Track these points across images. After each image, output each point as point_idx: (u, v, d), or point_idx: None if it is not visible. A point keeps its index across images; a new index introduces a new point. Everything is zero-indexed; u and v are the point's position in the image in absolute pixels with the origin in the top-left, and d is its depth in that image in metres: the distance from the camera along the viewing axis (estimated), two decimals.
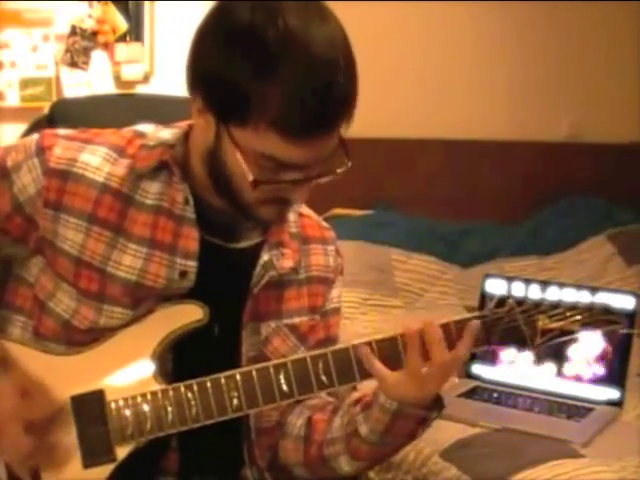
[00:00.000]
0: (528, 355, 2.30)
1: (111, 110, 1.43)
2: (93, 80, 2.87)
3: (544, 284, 2.35)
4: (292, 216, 1.41)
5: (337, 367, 1.27)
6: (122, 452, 1.26)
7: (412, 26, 3.23)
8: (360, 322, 2.64)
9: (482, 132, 3.30)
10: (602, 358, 2.22)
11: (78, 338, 1.30)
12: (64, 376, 1.28)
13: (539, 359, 2.12)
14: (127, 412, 1.26)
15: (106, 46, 2.88)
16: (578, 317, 1.29)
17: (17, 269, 1.35)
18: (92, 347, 1.30)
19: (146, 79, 2.95)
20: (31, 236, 1.30)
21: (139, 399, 1.26)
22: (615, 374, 2.20)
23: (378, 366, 1.26)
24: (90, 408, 1.26)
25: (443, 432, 2.03)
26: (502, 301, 1.29)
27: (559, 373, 2.26)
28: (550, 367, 2.27)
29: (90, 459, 1.26)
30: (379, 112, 3.16)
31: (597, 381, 2.22)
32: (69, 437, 1.26)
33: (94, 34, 2.85)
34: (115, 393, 1.27)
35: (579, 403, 2.18)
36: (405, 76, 3.24)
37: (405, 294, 2.82)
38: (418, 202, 3.14)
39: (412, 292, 2.84)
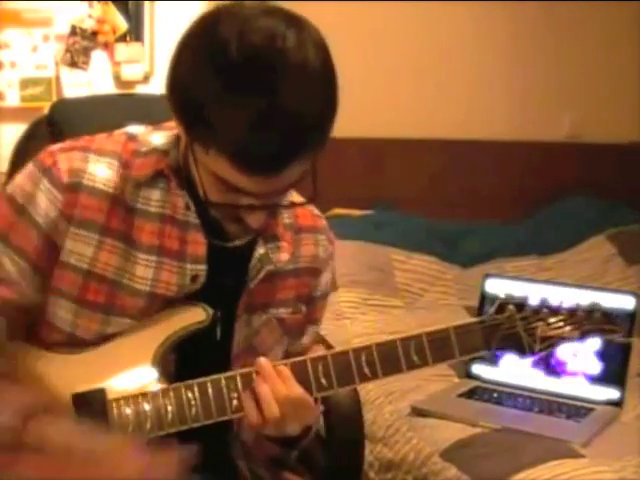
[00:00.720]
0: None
1: (111, 110, 1.43)
2: (93, 80, 2.87)
3: (544, 284, 2.35)
4: (286, 204, 1.39)
5: (336, 370, 1.28)
6: None
7: (412, 26, 3.23)
8: (360, 322, 2.64)
9: (482, 132, 3.30)
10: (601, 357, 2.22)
11: (84, 343, 1.30)
12: (66, 374, 1.29)
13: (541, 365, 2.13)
14: (128, 411, 1.26)
15: (106, 46, 2.88)
16: (577, 324, 1.30)
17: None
18: (95, 347, 1.30)
19: (146, 79, 2.95)
20: (50, 263, 1.28)
21: (140, 398, 1.27)
22: (615, 374, 2.21)
23: (248, 405, 1.25)
24: (91, 406, 1.27)
25: (443, 432, 2.04)
26: (502, 307, 1.30)
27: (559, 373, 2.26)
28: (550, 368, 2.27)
29: None
30: (379, 112, 3.17)
31: (597, 381, 2.22)
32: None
33: (94, 34, 2.85)
34: (116, 392, 1.27)
35: (579, 403, 2.19)
36: (405, 76, 3.24)
37: (405, 294, 2.82)
38: (418, 202, 3.14)
39: (412, 292, 2.84)
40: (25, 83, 2.81)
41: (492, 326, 1.29)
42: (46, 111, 1.70)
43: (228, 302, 1.34)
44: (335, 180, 3.08)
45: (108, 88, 2.87)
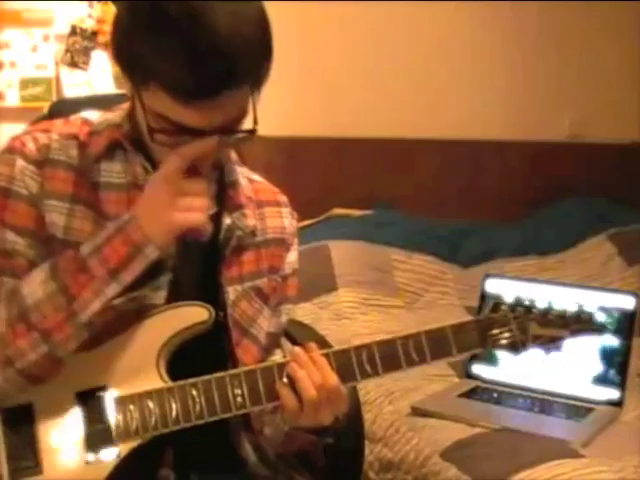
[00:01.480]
0: (529, 355, 2.30)
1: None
2: (93, 80, 2.87)
3: (544, 284, 2.35)
4: (244, 181, 1.45)
5: (338, 366, 1.30)
6: (126, 448, 1.28)
7: (412, 26, 3.23)
8: (360, 322, 2.64)
9: (482, 132, 3.30)
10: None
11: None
12: (70, 374, 1.30)
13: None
14: (132, 408, 1.28)
15: (106, 46, 2.88)
16: (566, 324, 1.37)
17: None
18: (98, 346, 1.31)
19: None
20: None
21: (144, 396, 1.28)
22: (615, 374, 2.20)
23: (285, 392, 1.29)
24: (95, 405, 1.28)
25: (443, 432, 2.04)
26: (496, 307, 1.37)
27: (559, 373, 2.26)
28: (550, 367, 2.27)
29: (93, 455, 1.28)
30: (379, 112, 3.17)
31: (597, 381, 2.22)
32: (73, 432, 1.28)
33: (94, 34, 2.85)
34: (120, 390, 1.29)
35: (579, 403, 2.19)
36: (405, 76, 3.24)
37: (405, 294, 2.82)
38: (418, 202, 3.14)
39: (412, 292, 2.84)
40: (25, 83, 2.81)
41: (487, 325, 1.35)
42: (45, 111, 1.70)
43: (208, 274, 1.38)
44: (335, 180, 3.09)
45: (108, 88, 2.87)
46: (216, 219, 1.38)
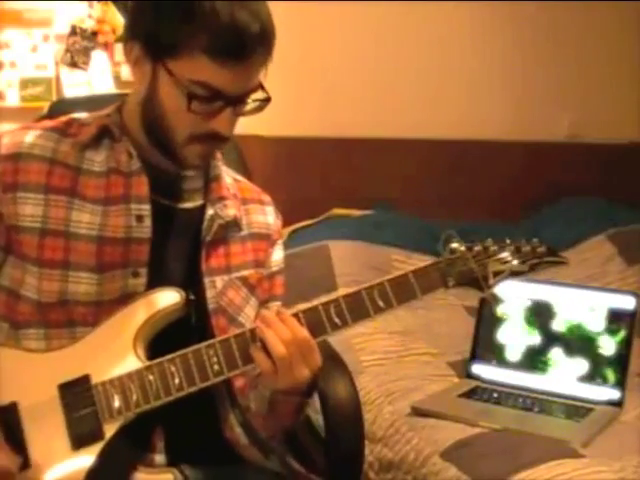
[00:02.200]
0: (529, 354, 2.30)
1: None
2: (93, 80, 2.87)
3: (544, 284, 2.35)
4: (228, 179, 1.51)
5: (308, 323, 1.34)
6: (110, 429, 1.31)
7: (412, 26, 3.23)
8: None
9: (481, 132, 3.30)
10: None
11: (54, 317, 1.35)
12: (50, 370, 1.33)
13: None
14: (113, 390, 1.31)
15: (106, 46, 2.89)
16: (525, 259, 1.41)
17: None
18: (74, 341, 1.35)
19: None
20: (0, 233, 1.37)
21: (124, 378, 1.32)
22: (615, 374, 2.21)
23: (258, 355, 1.32)
24: (77, 392, 1.32)
25: (443, 432, 2.04)
26: (453, 250, 1.41)
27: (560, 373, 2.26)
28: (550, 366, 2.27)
29: (79, 440, 1.31)
30: (379, 112, 3.17)
31: (597, 381, 2.22)
32: (57, 423, 1.31)
33: (94, 34, 2.85)
34: (101, 376, 1.32)
35: (579, 403, 2.19)
36: (405, 76, 3.24)
37: None
38: (418, 202, 3.14)
39: None
40: (25, 83, 2.81)
41: (447, 265, 1.40)
42: (45, 111, 1.70)
43: (188, 268, 1.41)
44: (335, 180, 3.09)
45: (108, 88, 2.87)
46: (200, 211, 1.44)
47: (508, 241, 1.42)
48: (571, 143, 3.45)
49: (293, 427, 1.46)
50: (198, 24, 1.28)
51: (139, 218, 1.37)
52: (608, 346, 2.24)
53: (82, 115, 1.45)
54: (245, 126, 1.44)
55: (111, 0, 2.87)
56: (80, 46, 2.84)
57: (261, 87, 1.35)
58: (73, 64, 2.84)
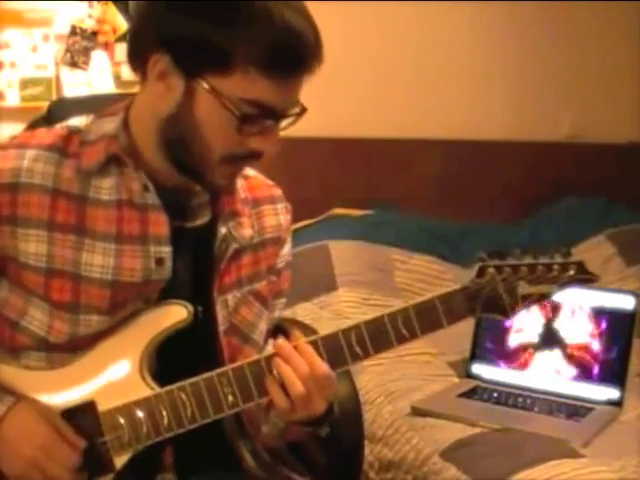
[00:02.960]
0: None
1: None
2: (93, 80, 2.87)
3: None
4: (239, 181, 1.40)
5: (328, 352, 1.27)
6: (120, 461, 1.25)
7: (412, 26, 3.23)
8: None
9: (482, 132, 3.30)
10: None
11: (58, 349, 1.28)
12: (51, 391, 1.26)
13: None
14: (121, 420, 1.24)
15: (106, 46, 2.88)
16: (555, 278, 1.33)
17: None
18: (76, 359, 1.27)
19: None
20: None
21: (132, 406, 1.24)
22: (615, 374, 2.21)
23: (274, 390, 1.25)
24: (83, 421, 1.24)
25: (443, 432, 2.04)
26: (482, 270, 1.31)
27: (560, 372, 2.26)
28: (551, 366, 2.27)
29: (88, 472, 1.24)
30: (379, 112, 3.17)
31: (597, 381, 2.22)
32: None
33: (94, 34, 2.85)
34: (107, 402, 1.25)
35: (579, 403, 2.19)
36: (405, 76, 3.23)
37: (405, 294, 2.82)
38: (418, 202, 3.14)
39: (412, 292, 2.84)
40: (25, 83, 2.81)
41: (475, 291, 1.30)
42: (44, 111, 1.69)
43: (201, 287, 1.33)
44: (335, 180, 3.09)
45: (108, 88, 2.87)
46: (211, 227, 1.34)
47: (540, 257, 1.32)
48: (571, 143, 3.45)
49: (307, 450, 1.43)
50: (253, 31, 1.15)
51: (159, 261, 1.27)
52: (608, 346, 2.24)
53: (81, 122, 1.32)
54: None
55: (111, 0, 2.87)
56: (80, 46, 2.83)
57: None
58: (73, 64, 2.84)
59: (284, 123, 1.25)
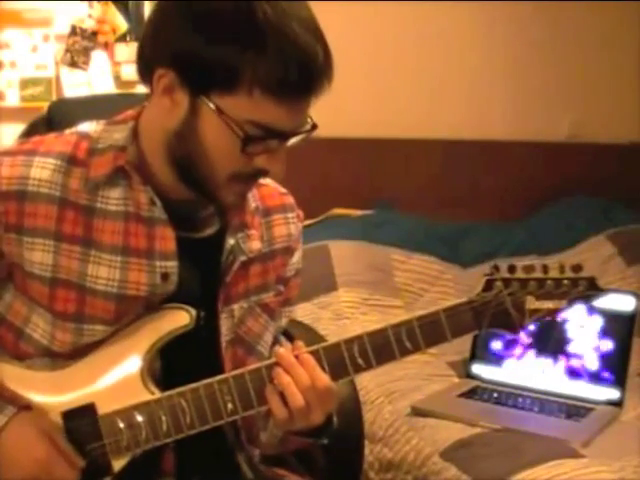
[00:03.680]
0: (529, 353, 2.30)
1: (110, 110, 1.42)
2: (93, 80, 2.87)
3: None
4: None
5: (329, 363, 1.25)
6: (118, 464, 1.24)
7: (412, 26, 3.23)
8: (360, 322, 2.64)
9: (482, 132, 3.30)
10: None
11: (62, 356, 1.28)
12: (53, 392, 1.26)
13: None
14: (120, 424, 1.23)
15: (106, 46, 2.88)
16: (563, 294, 1.29)
17: None
18: (79, 360, 1.27)
19: None
20: (0, 266, 1.26)
21: (132, 410, 1.24)
22: (615, 374, 2.21)
23: (274, 401, 1.23)
24: (82, 423, 1.24)
25: (443, 432, 2.04)
26: (489, 283, 1.28)
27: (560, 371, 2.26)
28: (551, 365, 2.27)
29: (86, 474, 1.24)
30: (379, 112, 3.17)
31: (597, 381, 2.22)
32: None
33: (94, 34, 2.85)
34: (107, 405, 1.24)
35: (579, 403, 2.19)
36: (405, 76, 3.23)
37: (405, 294, 2.82)
38: (418, 202, 3.14)
39: (412, 292, 2.84)
40: (25, 83, 2.81)
41: (481, 305, 1.27)
42: (45, 111, 1.69)
43: (207, 298, 1.32)
44: (335, 180, 3.09)
45: (108, 88, 2.87)
46: (219, 237, 1.32)
47: (550, 271, 1.29)
48: (571, 143, 3.45)
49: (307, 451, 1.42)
50: (261, 51, 1.12)
51: (164, 276, 1.26)
52: (608, 346, 2.23)
53: (91, 128, 1.30)
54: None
55: (111, 0, 2.87)
56: (80, 46, 2.84)
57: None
58: (73, 64, 2.84)
59: (292, 141, 1.23)
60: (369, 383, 2.29)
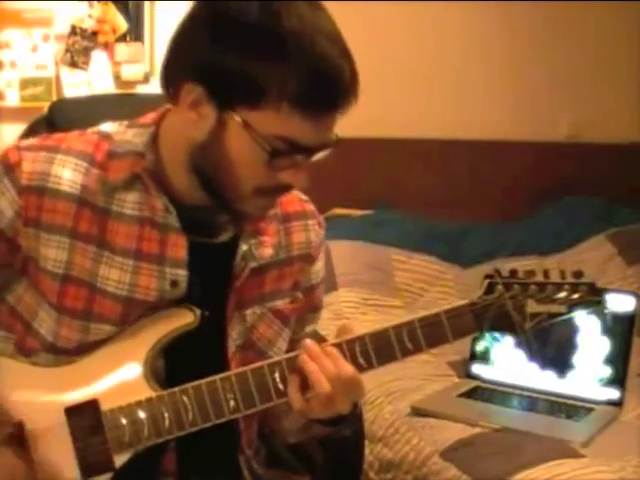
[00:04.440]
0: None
1: (111, 110, 1.42)
2: (93, 80, 2.87)
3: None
4: None
5: None
6: (120, 460, 1.25)
7: (412, 27, 3.23)
8: (360, 322, 2.64)
9: (482, 132, 3.30)
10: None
11: (67, 353, 1.28)
12: (57, 388, 1.27)
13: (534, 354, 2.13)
14: (123, 420, 1.24)
15: (106, 46, 2.88)
16: (564, 298, 1.30)
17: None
18: (83, 356, 1.28)
19: (146, 79, 2.94)
20: (16, 258, 1.28)
21: (134, 406, 1.24)
22: (615, 374, 2.21)
23: (292, 389, 1.24)
24: (85, 418, 1.25)
25: (443, 432, 2.04)
26: (491, 286, 1.29)
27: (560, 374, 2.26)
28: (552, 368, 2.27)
29: (88, 470, 1.25)
30: (379, 112, 3.16)
31: (597, 381, 2.22)
32: (65, 449, 1.25)
33: (94, 34, 2.85)
34: (110, 402, 1.25)
35: (579, 403, 2.19)
36: (404, 76, 3.23)
37: (405, 294, 2.82)
38: (418, 202, 3.14)
39: (412, 292, 2.85)
40: (25, 83, 2.81)
41: (483, 307, 1.28)
42: (45, 111, 1.69)
43: (217, 302, 1.32)
44: (335, 180, 3.08)
45: (108, 88, 2.87)
46: (232, 244, 1.32)
47: (551, 275, 1.30)
48: (571, 143, 3.45)
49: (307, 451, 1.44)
50: (289, 66, 1.13)
51: (174, 283, 1.27)
52: (608, 346, 2.24)
53: (112, 129, 1.30)
54: None
55: (111, 0, 2.87)
56: (80, 46, 2.84)
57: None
58: (73, 64, 2.84)
59: (317, 156, 1.25)
60: (369, 383, 2.29)
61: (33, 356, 1.30)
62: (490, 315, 1.28)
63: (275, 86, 1.14)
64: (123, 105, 1.37)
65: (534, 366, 2.29)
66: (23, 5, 2.79)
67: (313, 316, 1.48)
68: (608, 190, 3.33)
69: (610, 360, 2.22)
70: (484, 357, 2.35)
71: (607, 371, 2.21)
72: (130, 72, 2.91)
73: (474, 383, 2.31)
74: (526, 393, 2.24)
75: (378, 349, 1.27)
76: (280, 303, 1.38)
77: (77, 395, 1.26)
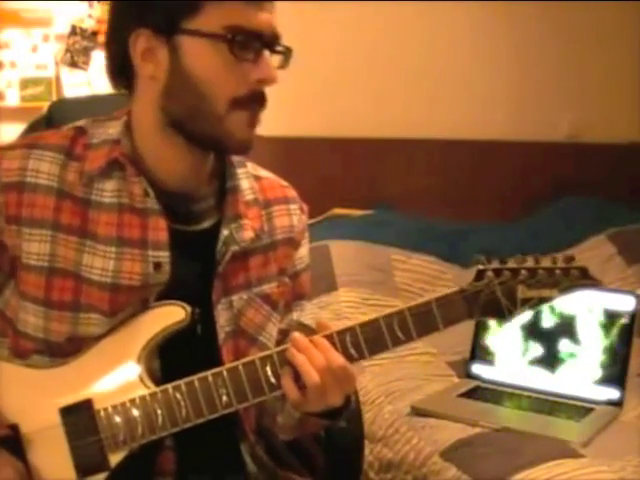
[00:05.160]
0: (528, 354, 2.30)
1: (111, 110, 1.43)
2: (93, 80, 2.87)
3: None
4: (248, 182, 1.40)
5: None
6: (115, 459, 1.26)
7: (411, 26, 3.23)
8: None
9: (482, 132, 3.30)
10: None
11: (59, 349, 1.29)
12: (51, 389, 1.28)
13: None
14: (117, 419, 1.25)
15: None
16: (555, 283, 1.29)
17: None
18: (76, 357, 1.29)
19: None
20: (4, 260, 1.29)
21: (128, 405, 1.25)
22: (615, 374, 2.21)
23: (286, 381, 1.25)
24: (80, 418, 1.26)
25: (443, 432, 2.04)
26: (481, 273, 1.29)
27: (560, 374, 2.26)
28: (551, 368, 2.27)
29: (83, 470, 1.25)
30: (379, 112, 3.17)
31: (597, 381, 2.22)
32: (61, 450, 1.26)
33: (94, 34, 2.85)
34: (103, 401, 1.26)
35: (579, 403, 2.19)
36: (404, 76, 3.23)
37: (405, 294, 2.82)
38: (418, 202, 3.14)
39: (412, 292, 2.84)
40: (25, 83, 2.81)
41: (473, 294, 1.28)
42: (45, 111, 1.69)
43: (201, 291, 1.33)
44: (335, 180, 3.09)
45: (108, 88, 2.86)
46: (214, 230, 1.34)
47: (542, 261, 1.30)
48: (571, 143, 3.45)
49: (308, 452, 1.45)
50: None
51: (157, 265, 1.28)
52: (608, 346, 2.24)
53: (85, 125, 1.34)
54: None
55: (111, 0, 2.86)
56: (80, 46, 2.84)
57: None
58: (73, 64, 2.84)
59: (275, 60, 1.27)
60: (369, 383, 2.30)
61: (28, 358, 1.30)
62: (480, 302, 1.28)
63: None
64: (123, 105, 1.38)
65: (534, 366, 2.29)
66: (23, 5, 2.79)
67: (298, 303, 1.48)
68: (608, 190, 3.33)
69: (610, 360, 2.22)
70: (484, 357, 2.35)
71: (607, 371, 2.21)
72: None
73: (474, 383, 2.31)
74: (526, 393, 2.24)
75: (369, 339, 1.27)
76: (267, 287, 1.39)
77: (71, 395, 1.27)
